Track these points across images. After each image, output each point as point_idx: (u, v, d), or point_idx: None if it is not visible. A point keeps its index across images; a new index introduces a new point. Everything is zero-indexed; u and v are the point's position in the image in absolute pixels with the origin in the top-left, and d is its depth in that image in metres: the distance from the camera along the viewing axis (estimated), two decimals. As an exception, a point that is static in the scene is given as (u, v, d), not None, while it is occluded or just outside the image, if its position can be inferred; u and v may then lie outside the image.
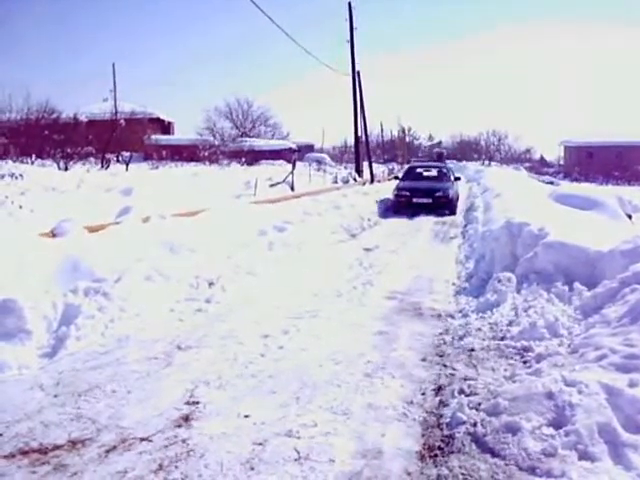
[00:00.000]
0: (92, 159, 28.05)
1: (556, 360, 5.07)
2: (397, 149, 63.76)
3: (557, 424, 3.98)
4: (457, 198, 20.96)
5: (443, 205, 19.49)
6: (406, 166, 31.38)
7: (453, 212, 19.48)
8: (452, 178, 22.18)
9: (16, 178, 11.96)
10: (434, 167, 24.17)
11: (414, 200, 19.49)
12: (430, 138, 77.66)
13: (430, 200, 19.39)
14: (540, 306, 6.53)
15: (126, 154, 30.83)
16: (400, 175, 24.62)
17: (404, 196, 19.84)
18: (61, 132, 26.80)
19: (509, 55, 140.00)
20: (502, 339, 6.00)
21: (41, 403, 4.62)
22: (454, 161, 60.25)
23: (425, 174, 22.96)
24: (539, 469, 3.63)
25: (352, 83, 33.94)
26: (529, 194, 16.74)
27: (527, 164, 66.81)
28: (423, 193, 19.63)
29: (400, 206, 19.83)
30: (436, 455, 3.94)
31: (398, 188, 20.47)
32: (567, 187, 22.45)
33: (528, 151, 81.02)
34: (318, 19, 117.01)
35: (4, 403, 4.55)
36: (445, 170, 23.18)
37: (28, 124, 29.38)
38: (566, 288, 6.78)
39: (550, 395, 4.32)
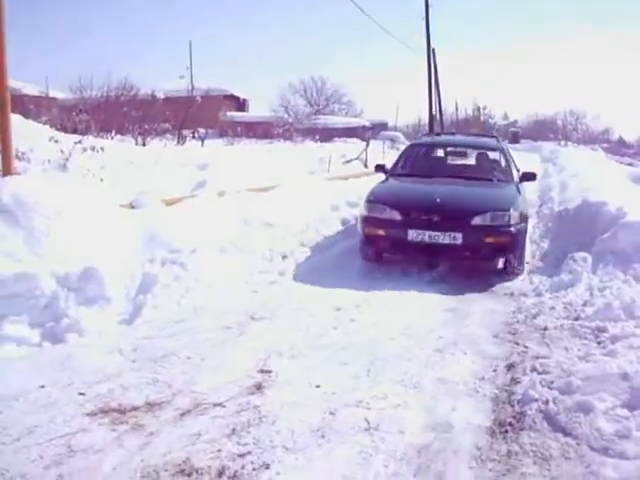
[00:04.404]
0: (169, 135, 28.45)
1: (632, 342, 4.97)
2: (472, 128, 62.69)
3: (632, 406, 3.93)
4: (526, 226, 8.40)
5: (493, 252, 7.94)
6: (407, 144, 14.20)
7: (518, 268, 8.05)
8: (515, 176, 9.57)
9: (97, 151, 12.28)
10: (473, 147, 11.31)
11: (411, 236, 7.76)
12: (505, 117, 75.97)
13: (458, 237, 7.65)
14: (616, 287, 6.40)
15: (202, 130, 31.14)
16: (391, 164, 10.45)
17: (386, 223, 8.04)
18: (139, 109, 27.26)
19: (590, 36, 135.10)
20: (576, 319, 5.90)
21: (120, 367, 4.78)
22: (529, 140, 58.89)
23: (451, 162, 11.56)
24: (612, 450, 3.57)
25: (427, 60, 33.69)
26: (607, 175, 16.30)
27: (605, 145, 64.69)
28: (437, 218, 7.79)
29: (373, 252, 8.43)
30: (506, 431, 3.92)
31: (371, 200, 8.43)
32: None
33: (606, 131, 78.37)
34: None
35: (86, 365, 4.74)
36: (499, 156, 10.44)
37: (108, 101, 30.07)
38: (644, 269, 6.61)
39: (625, 376, 4.26)
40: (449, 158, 11.79)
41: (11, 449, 3.55)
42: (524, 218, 8.24)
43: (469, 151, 11.95)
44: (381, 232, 8.06)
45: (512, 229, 7.80)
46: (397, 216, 7.94)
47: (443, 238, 7.64)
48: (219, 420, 3.98)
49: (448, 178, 9.28)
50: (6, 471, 3.32)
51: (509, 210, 7.87)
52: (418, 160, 10.54)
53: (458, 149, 12.13)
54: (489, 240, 7.72)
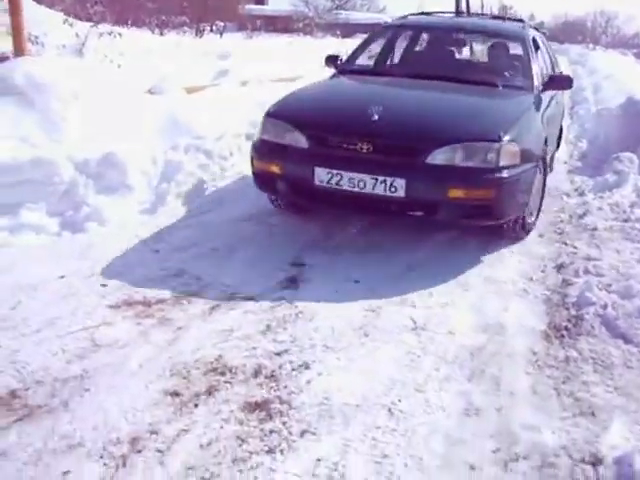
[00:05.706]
0: (186, 28, 27.73)
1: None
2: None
3: (697, 314, 3.63)
4: (534, 168, 4.80)
5: (462, 214, 4.40)
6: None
7: (513, 232, 5.00)
8: (537, 81, 5.63)
9: (114, 37, 11.71)
10: (481, 33, 7.40)
11: (320, 179, 4.40)
12: (532, 18, 73.57)
13: (398, 185, 4.23)
14: (667, 189, 6.06)
15: (220, 24, 30.44)
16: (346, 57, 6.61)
17: (284, 153, 4.67)
18: (155, 0, 26.45)
19: None
20: (625, 221, 5.56)
21: (143, 258, 4.47)
22: (556, 43, 57.20)
23: (441, 56, 6.62)
24: (678, 361, 3.29)
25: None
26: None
27: (635, 50, 62.66)
28: (366, 148, 4.35)
29: (275, 197, 5.30)
30: (563, 336, 3.64)
31: (269, 113, 5.04)
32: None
33: (637, 35, 75.87)
34: None
35: (107, 255, 4.42)
36: (520, 49, 6.10)
37: (124, -9, 29.18)
38: (697, 172, 6.24)
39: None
40: (441, 49, 6.90)
41: (32, 341, 3.28)
42: (532, 155, 4.75)
43: (476, 41, 8.52)
44: (275, 168, 4.73)
45: (503, 175, 4.34)
46: (302, 143, 4.62)
47: (374, 186, 4.30)
48: (252, 315, 3.69)
49: (428, 80, 5.61)
50: (27, 364, 3.07)
51: (499, 140, 4.35)
52: (392, 51, 7.12)
53: (457, 36, 7.29)
54: (455, 194, 4.30)
